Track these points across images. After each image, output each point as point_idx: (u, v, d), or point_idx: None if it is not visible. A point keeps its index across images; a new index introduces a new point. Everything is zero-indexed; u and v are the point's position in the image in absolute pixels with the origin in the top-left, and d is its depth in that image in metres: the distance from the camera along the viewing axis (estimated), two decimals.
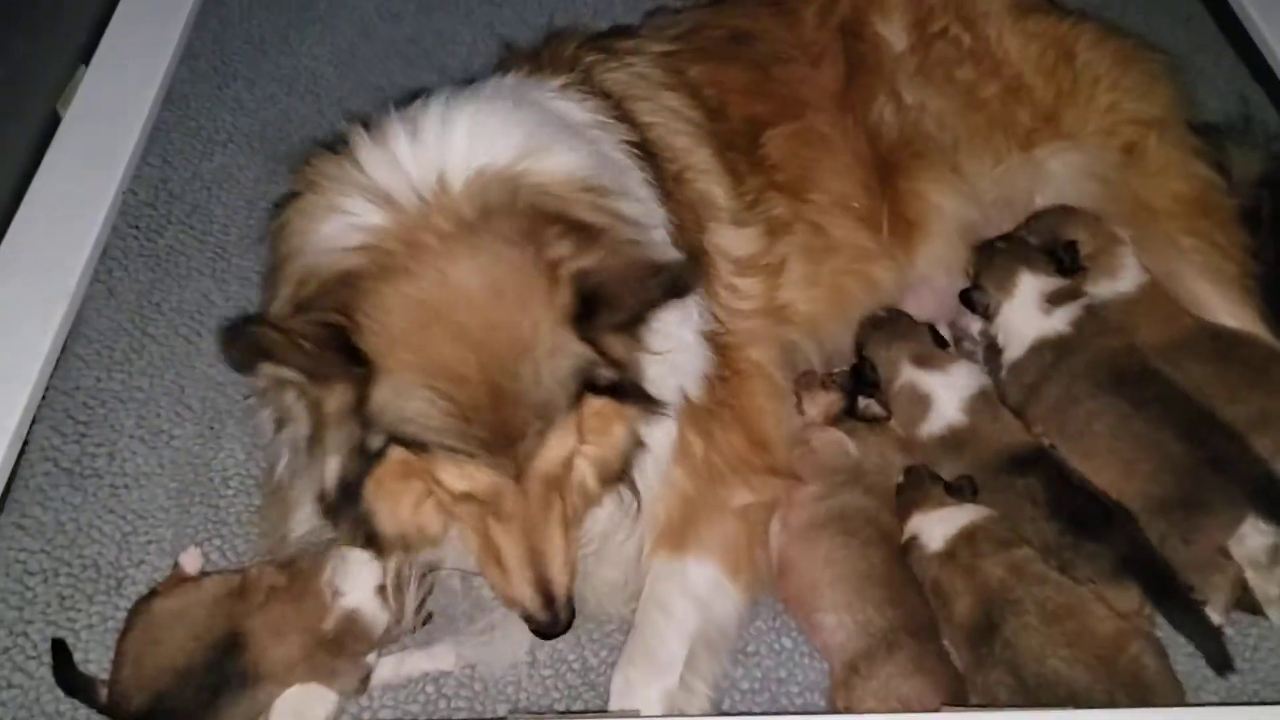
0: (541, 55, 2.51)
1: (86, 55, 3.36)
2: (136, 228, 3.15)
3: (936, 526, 2.32)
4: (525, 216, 1.87)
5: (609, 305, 1.84)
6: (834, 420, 2.52)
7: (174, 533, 2.52)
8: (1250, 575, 2.35)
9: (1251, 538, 2.36)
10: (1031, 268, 2.60)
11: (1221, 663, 2.23)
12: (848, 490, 2.38)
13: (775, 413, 2.45)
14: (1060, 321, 2.55)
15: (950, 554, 2.29)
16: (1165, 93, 2.81)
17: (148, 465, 2.65)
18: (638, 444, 2.10)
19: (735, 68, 2.67)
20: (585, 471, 2.05)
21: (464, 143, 1.95)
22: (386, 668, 2.25)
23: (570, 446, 1.94)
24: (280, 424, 2.09)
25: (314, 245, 1.94)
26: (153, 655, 2.07)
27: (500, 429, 1.81)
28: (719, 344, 2.32)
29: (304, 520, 2.25)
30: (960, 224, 2.69)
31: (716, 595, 2.29)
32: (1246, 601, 2.35)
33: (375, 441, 1.86)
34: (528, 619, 2.01)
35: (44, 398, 2.73)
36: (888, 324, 2.64)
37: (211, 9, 3.80)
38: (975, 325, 2.73)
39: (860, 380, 2.60)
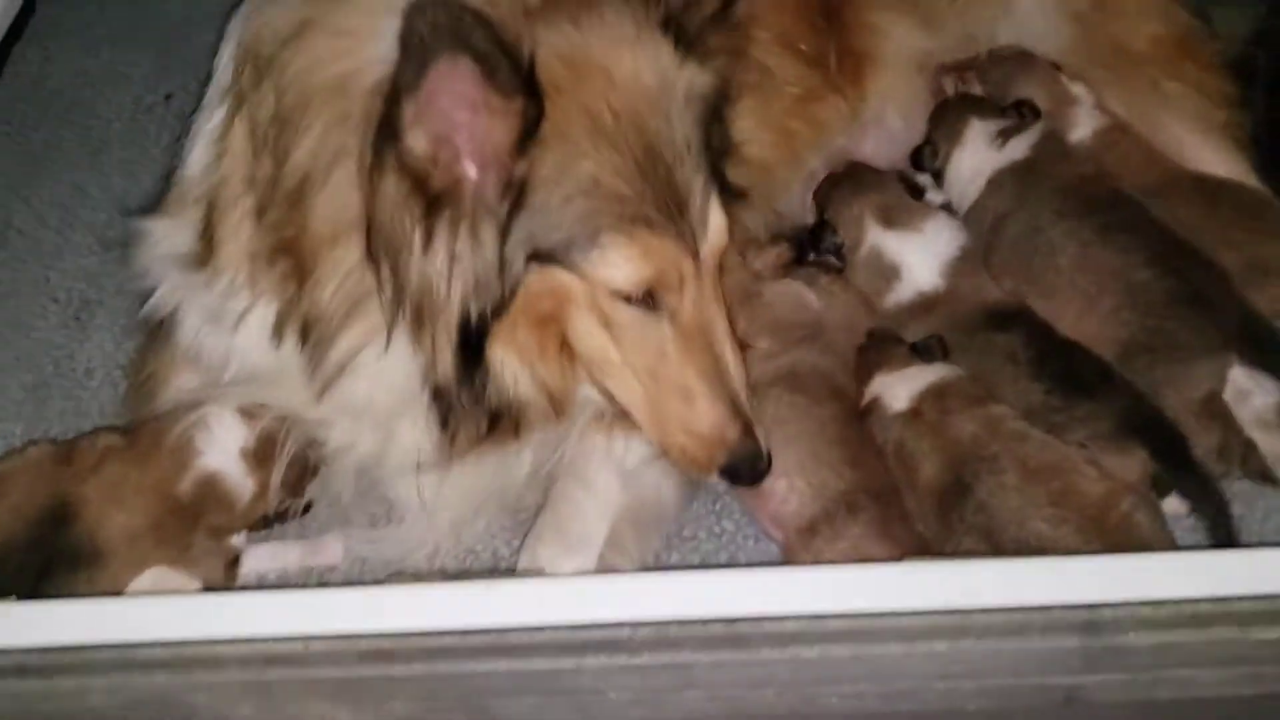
0: None
1: None
2: (8, 123, 2.88)
3: (900, 385, 2.01)
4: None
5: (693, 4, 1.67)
6: (783, 272, 2.21)
7: (25, 427, 2.21)
8: (1259, 436, 2.03)
9: (1256, 395, 2.06)
10: (981, 115, 2.33)
11: (1227, 540, 1.91)
12: (803, 348, 2.08)
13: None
14: (1017, 149, 2.27)
15: (916, 412, 1.98)
16: None
17: (2, 358, 2.35)
18: None
19: None
20: None
21: None
22: (261, 557, 1.93)
23: (726, 219, 1.70)
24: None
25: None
26: None
27: (673, 188, 1.62)
28: None
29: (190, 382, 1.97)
30: (914, 53, 2.42)
31: (648, 469, 1.97)
32: (1255, 468, 2.05)
33: (519, 257, 1.59)
34: (729, 462, 1.73)
35: None
36: (848, 178, 2.33)
37: None
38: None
39: (819, 246, 2.29)
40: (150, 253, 1.97)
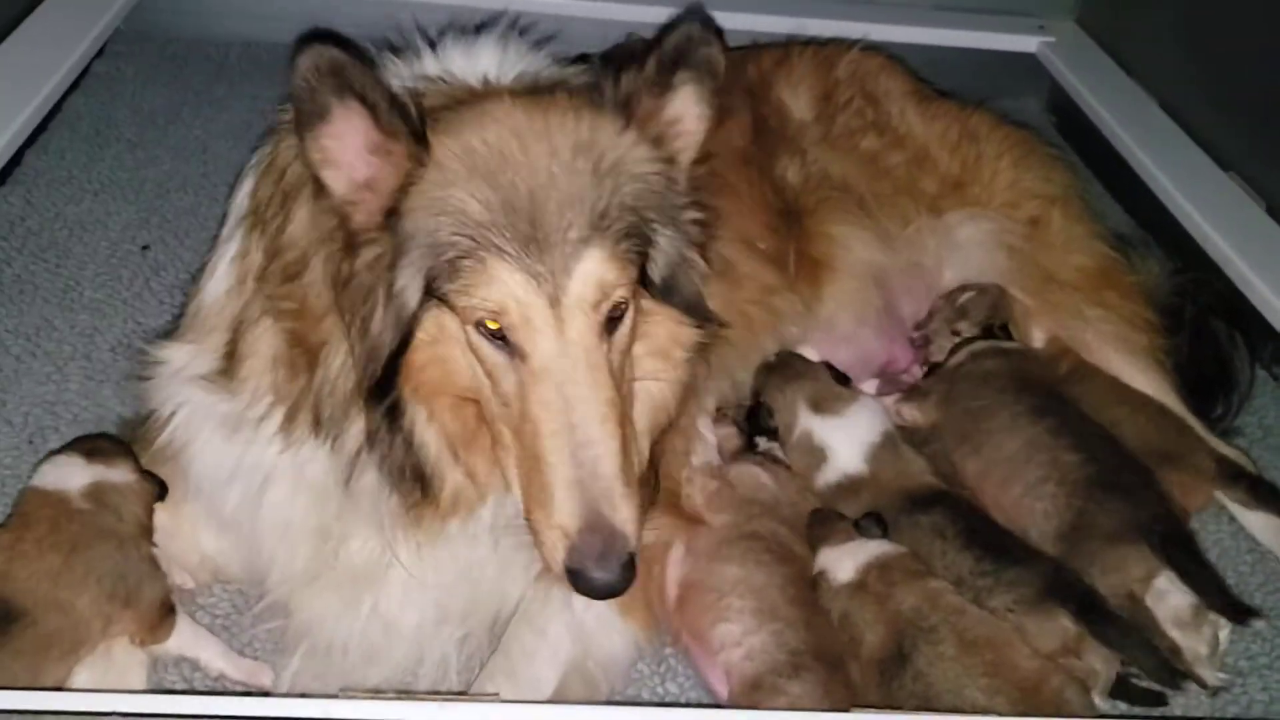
0: None
1: None
2: None
3: (845, 558, 2.10)
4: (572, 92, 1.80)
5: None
6: (733, 455, 2.34)
7: None
8: (1177, 636, 2.14)
9: (1173, 595, 2.16)
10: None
11: (1169, 678, 2.04)
12: (761, 520, 2.18)
13: (680, 449, 2.23)
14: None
15: (860, 584, 2.06)
16: (1063, 175, 2.84)
17: None
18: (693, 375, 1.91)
19: None
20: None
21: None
22: (187, 637, 1.99)
23: (615, 281, 1.65)
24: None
25: None
26: None
27: (540, 230, 1.61)
28: None
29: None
30: (868, 266, 2.61)
31: (601, 629, 2.02)
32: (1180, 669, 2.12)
33: (412, 289, 1.64)
34: (569, 559, 1.58)
35: None
36: (781, 366, 2.48)
37: (104, 83, 3.71)
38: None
39: (756, 425, 2.43)
40: (166, 376, 2.02)
